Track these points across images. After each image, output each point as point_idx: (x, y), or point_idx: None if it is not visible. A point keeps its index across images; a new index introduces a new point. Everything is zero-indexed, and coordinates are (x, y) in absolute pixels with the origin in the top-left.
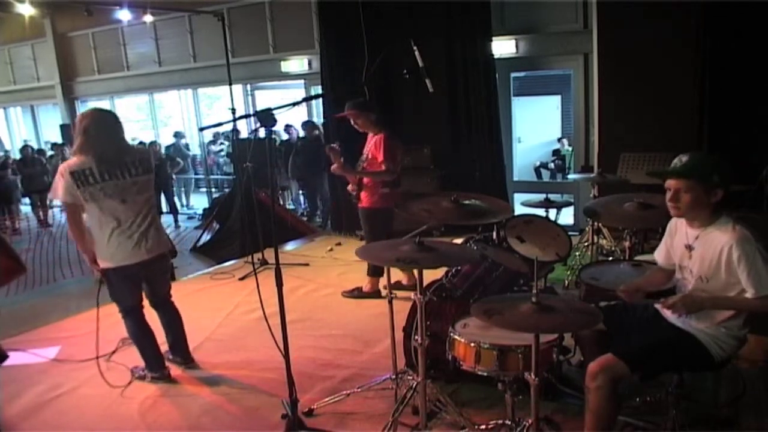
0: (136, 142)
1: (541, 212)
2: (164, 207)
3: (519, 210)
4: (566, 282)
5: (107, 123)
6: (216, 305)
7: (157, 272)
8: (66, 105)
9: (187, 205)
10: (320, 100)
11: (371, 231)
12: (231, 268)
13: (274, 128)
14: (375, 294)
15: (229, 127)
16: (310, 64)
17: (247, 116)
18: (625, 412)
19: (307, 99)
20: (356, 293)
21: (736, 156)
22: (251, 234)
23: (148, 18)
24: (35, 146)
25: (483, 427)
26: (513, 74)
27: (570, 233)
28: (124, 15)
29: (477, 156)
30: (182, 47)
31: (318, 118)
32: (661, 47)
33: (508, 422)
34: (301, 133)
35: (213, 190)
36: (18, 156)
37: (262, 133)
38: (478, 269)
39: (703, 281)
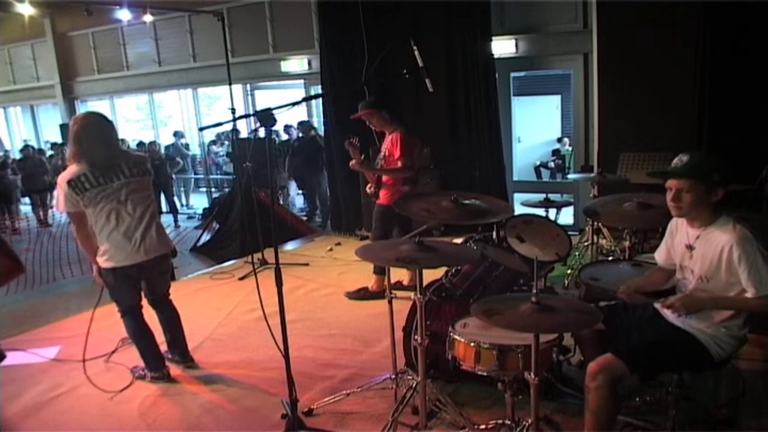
0: (135, 143)
1: (541, 212)
2: (164, 207)
3: (519, 210)
4: (566, 282)
5: (98, 127)
6: (216, 305)
7: (157, 272)
8: (66, 105)
9: (187, 205)
10: (320, 100)
11: (382, 227)
12: (231, 268)
13: (273, 128)
14: (381, 293)
15: (229, 127)
16: (309, 63)
17: (247, 116)
18: (625, 412)
19: (307, 99)
20: (363, 293)
21: (735, 156)
22: (251, 234)
23: (148, 18)
24: (35, 146)
25: (483, 426)
26: (513, 74)
27: (570, 233)
28: (124, 15)
29: (477, 156)
30: (182, 47)
31: (318, 118)
32: (661, 47)
33: (507, 422)
34: (297, 134)
35: (213, 190)
36: (18, 156)
37: (262, 133)
38: (478, 269)
39: (703, 281)
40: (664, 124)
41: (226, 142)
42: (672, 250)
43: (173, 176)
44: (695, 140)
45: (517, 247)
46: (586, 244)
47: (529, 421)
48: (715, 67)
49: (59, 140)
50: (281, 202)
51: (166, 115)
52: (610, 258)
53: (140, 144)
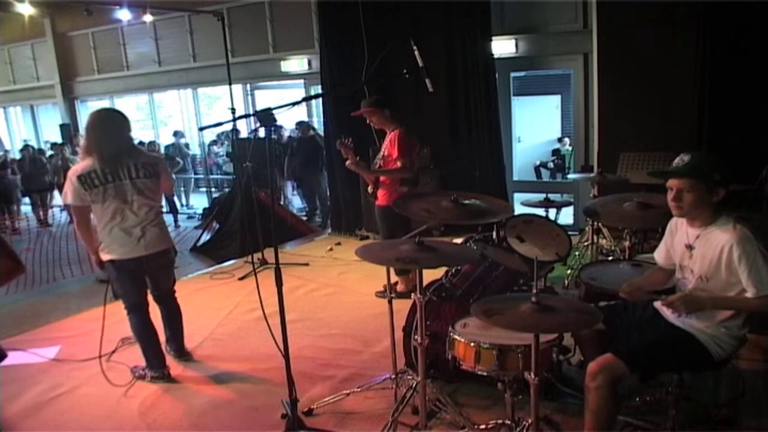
0: (137, 142)
1: (541, 212)
2: (164, 207)
3: (519, 210)
4: (566, 282)
5: (108, 122)
6: (216, 305)
7: (158, 267)
8: (66, 105)
9: (187, 205)
10: (320, 100)
11: (388, 228)
12: (231, 268)
13: (274, 128)
14: (408, 293)
15: (229, 127)
16: (309, 63)
17: (247, 116)
18: (625, 412)
19: (307, 99)
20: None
21: (735, 156)
22: (251, 234)
23: (148, 18)
24: (35, 146)
25: (483, 426)
26: (513, 74)
27: (570, 233)
28: (123, 15)
29: (477, 156)
30: (182, 47)
31: (318, 118)
32: (661, 47)
33: (507, 422)
34: (289, 134)
35: (213, 189)
36: (18, 156)
37: (262, 133)
38: (478, 269)
39: (703, 281)
40: (664, 124)
41: (226, 142)
42: (671, 250)
43: (173, 176)
44: (695, 140)
45: (517, 247)
46: (586, 244)
47: (529, 421)
48: (715, 67)
49: (59, 140)
50: (281, 202)
51: (166, 115)
52: (610, 258)
53: (140, 144)
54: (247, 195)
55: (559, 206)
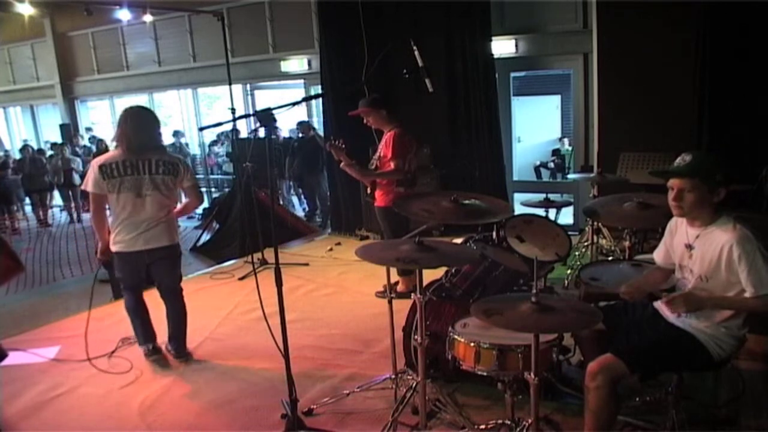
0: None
1: (540, 212)
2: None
3: (519, 210)
4: (566, 282)
5: (139, 117)
6: (216, 305)
7: (158, 260)
8: (66, 105)
9: None
10: (320, 100)
11: (390, 228)
12: (231, 268)
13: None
14: (408, 294)
15: (229, 127)
16: (309, 63)
17: (247, 116)
18: (625, 412)
19: (307, 99)
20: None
21: (735, 156)
22: (251, 234)
23: (148, 18)
24: (35, 146)
25: (483, 426)
26: (513, 74)
27: (570, 233)
28: (123, 15)
29: (477, 156)
30: (182, 47)
31: (318, 118)
32: (661, 47)
33: (507, 422)
34: (286, 135)
35: (213, 190)
36: (18, 156)
37: (262, 133)
38: (478, 269)
39: (703, 280)
40: (664, 124)
41: (226, 142)
42: (671, 250)
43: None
44: (695, 140)
45: (517, 247)
46: (586, 244)
47: (529, 421)
48: (715, 67)
49: (59, 140)
50: (281, 202)
51: (166, 115)
52: (610, 258)
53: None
54: (247, 195)
55: (559, 206)
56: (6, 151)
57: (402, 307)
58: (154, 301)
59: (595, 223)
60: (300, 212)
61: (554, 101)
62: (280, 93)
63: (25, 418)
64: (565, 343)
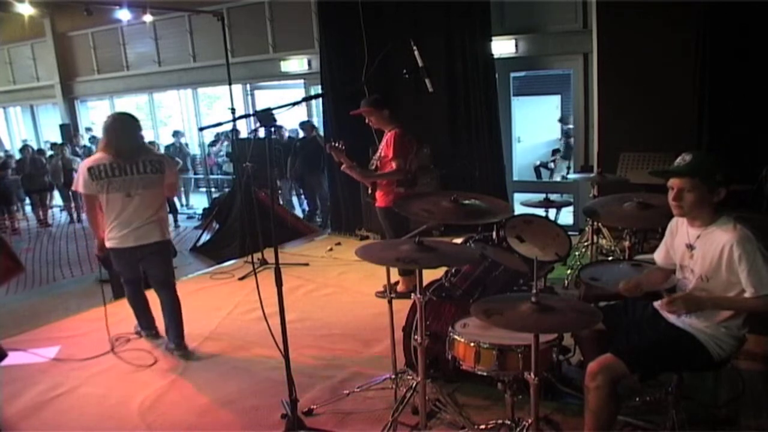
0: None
1: (541, 212)
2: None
3: (519, 210)
4: (566, 282)
5: (125, 123)
6: (216, 305)
7: (149, 255)
8: (65, 105)
9: (187, 205)
10: (320, 100)
11: (391, 227)
12: (231, 268)
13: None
14: (408, 294)
15: (229, 127)
16: (309, 63)
17: (247, 116)
18: (625, 412)
19: (307, 99)
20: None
21: (735, 156)
22: (251, 234)
23: (148, 18)
24: (35, 146)
25: (483, 426)
26: (513, 74)
27: (570, 233)
28: (123, 15)
29: (477, 156)
30: (182, 47)
31: (318, 118)
32: (661, 47)
33: (507, 422)
34: (289, 134)
35: (213, 190)
36: (18, 156)
37: (262, 133)
38: (478, 269)
39: (704, 280)
40: (664, 124)
41: (227, 142)
42: (671, 250)
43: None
44: (695, 140)
45: (517, 247)
46: (586, 244)
47: (529, 421)
48: (715, 67)
49: (59, 140)
50: (280, 202)
51: (166, 115)
52: (610, 258)
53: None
54: (247, 195)
55: (559, 206)
56: (6, 151)
57: (402, 307)
58: (152, 301)
59: (595, 223)
60: (299, 212)
61: (554, 101)
62: (280, 93)
63: (25, 418)
64: (565, 343)
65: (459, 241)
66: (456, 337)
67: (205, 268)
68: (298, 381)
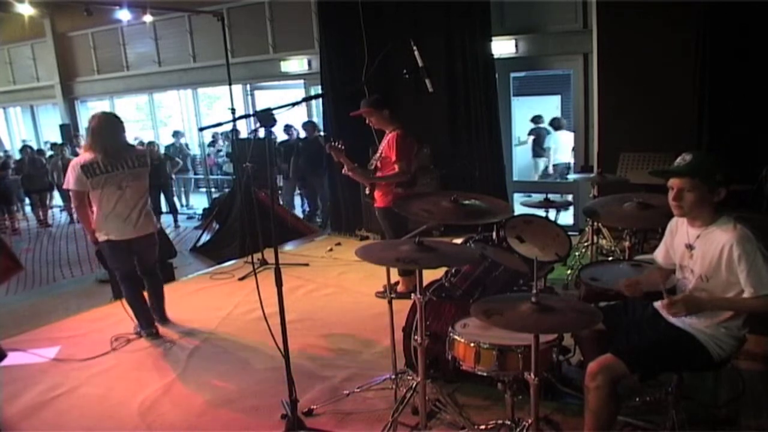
0: (136, 142)
1: (540, 212)
2: (164, 207)
3: (519, 210)
4: (566, 282)
5: (111, 124)
6: (216, 305)
7: (144, 246)
8: (66, 105)
9: (187, 205)
10: (320, 100)
11: (391, 227)
12: (231, 268)
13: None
14: (408, 294)
15: (228, 127)
16: (309, 64)
17: (247, 116)
18: (625, 412)
19: (307, 99)
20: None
21: (735, 156)
22: (251, 234)
23: (148, 18)
24: (35, 146)
25: (483, 427)
26: (513, 74)
27: (570, 233)
28: (123, 15)
29: (477, 156)
30: (182, 47)
31: (318, 118)
32: (661, 47)
33: (507, 422)
34: (302, 134)
35: (213, 190)
36: (18, 156)
37: (262, 133)
38: (478, 269)
39: (703, 280)
40: (664, 124)
41: (226, 143)
42: (671, 250)
43: (173, 176)
44: (695, 140)
45: (516, 247)
46: (586, 244)
47: (529, 421)
48: (715, 67)
49: (59, 140)
50: (280, 202)
51: (166, 115)
52: (610, 258)
53: (139, 143)
54: (247, 195)
55: (559, 207)
56: (6, 151)
57: (402, 307)
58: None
59: (595, 224)
60: (300, 212)
61: (554, 101)
62: (280, 93)
63: (25, 418)
64: (565, 343)
65: (459, 241)
66: (456, 337)
67: (205, 269)
68: (298, 381)
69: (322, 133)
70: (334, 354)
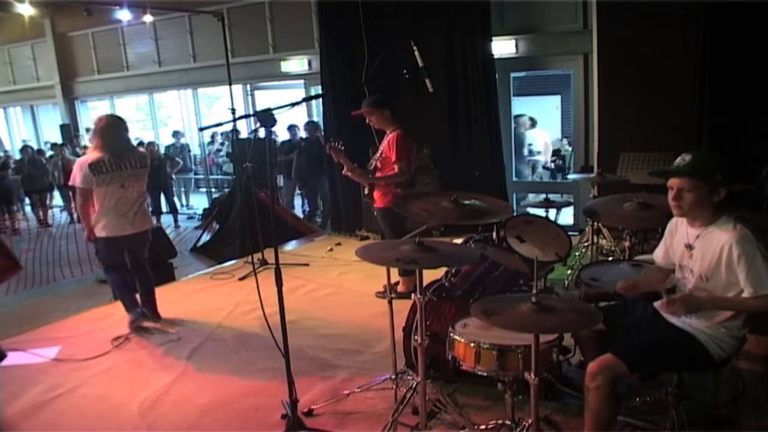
0: (136, 142)
1: (541, 212)
2: (164, 207)
3: (519, 210)
4: (566, 282)
5: (118, 125)
6: (216, 305)
7: (138, 243)
8: (66, 105)
9: (187, 205)
10: (320, 100)
11: (390, 228)
12: (231, 268)
13: (273, 129)
14: (408, 294)
15: (228, 127)
16: (310, 64)
17: (247, 116)
18: (625, 412)
19: (307, 99)
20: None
21: (735, 156)
22: (251, 234)
23: (148, 18)
24: (35, 146)
25: (483, 427)
26: (513, 74)
27: (570, 233)
28: (124, 15)
29: (477, 156)
30: (182, 47)
31: (318, 118)
32: (661, 47)
33: (507, 422)
34: (304, 134)
35: (213, 190)
36: (18, 156)
37: (262, 133)
38: (478, 269)
39: (703, 280)
40: (664, 124)
41: (226, 143)
42: (671, 250)
43: (173, 176)
44: (695, 140)
45: (517, 247)
46: (586, 244)
47: (529, 421)
48: (715, 67)
49: (59, 140)
50: (280, 202)
51: (166, 115)
52: (610, 258)
53: (140, 144)
54: (247, 195)
55: (559, 206)
56: (6, 151)
57: (402, 307)
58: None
59: (595, 224)
60: (300, 212)
61: (554, 101)
62: (280, 93)
63: (25, 418)
64: (565, 343)
65: (459, 241)
66: (456, 337)
67: (206, 269)
68: (298, 381)
69: (322, 134)
70: (334, 354)
